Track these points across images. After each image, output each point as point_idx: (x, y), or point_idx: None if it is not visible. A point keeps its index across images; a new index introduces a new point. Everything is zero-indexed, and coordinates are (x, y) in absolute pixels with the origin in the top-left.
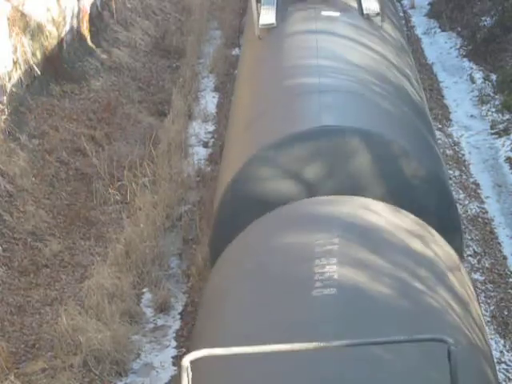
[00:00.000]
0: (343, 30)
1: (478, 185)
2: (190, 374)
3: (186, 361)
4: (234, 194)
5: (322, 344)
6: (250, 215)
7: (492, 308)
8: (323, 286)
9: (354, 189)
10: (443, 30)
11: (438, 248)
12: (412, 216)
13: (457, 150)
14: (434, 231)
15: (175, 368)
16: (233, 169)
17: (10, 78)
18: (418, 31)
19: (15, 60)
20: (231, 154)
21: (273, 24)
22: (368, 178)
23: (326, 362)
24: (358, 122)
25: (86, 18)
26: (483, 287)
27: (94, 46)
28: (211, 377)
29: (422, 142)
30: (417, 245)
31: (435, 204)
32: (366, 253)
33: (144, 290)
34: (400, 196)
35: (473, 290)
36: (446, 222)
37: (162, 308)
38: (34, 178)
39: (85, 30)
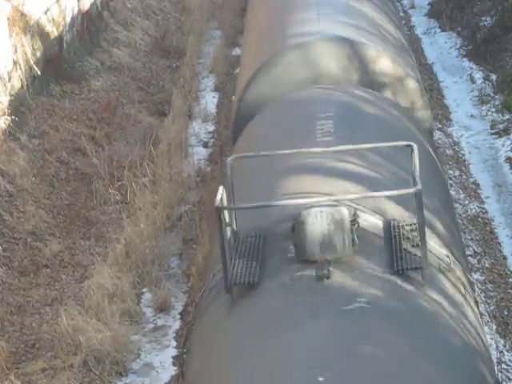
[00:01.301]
0: None
1: (478, 185)
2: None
3: (228, 160)
4: (256, 83)
5: (323, 149)
6: (266, 99)
7: (492, 308)
8: (323, 136)
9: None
10: (443, 30)
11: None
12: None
13: (457, 149)
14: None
15: (175, 368)
16: (255, 64)
17: (10, 78)
18: (418, 31)
19: (15, 60)
20: (251, 55)
21: None
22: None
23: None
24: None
25: (86, 17)
26: (483, 287)
27: (93, 46)
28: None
29: None
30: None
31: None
32: (355, 119)
33: (144, 289)
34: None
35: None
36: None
37: (162, 308)
38: (33, 178)
39: (85, 30)
